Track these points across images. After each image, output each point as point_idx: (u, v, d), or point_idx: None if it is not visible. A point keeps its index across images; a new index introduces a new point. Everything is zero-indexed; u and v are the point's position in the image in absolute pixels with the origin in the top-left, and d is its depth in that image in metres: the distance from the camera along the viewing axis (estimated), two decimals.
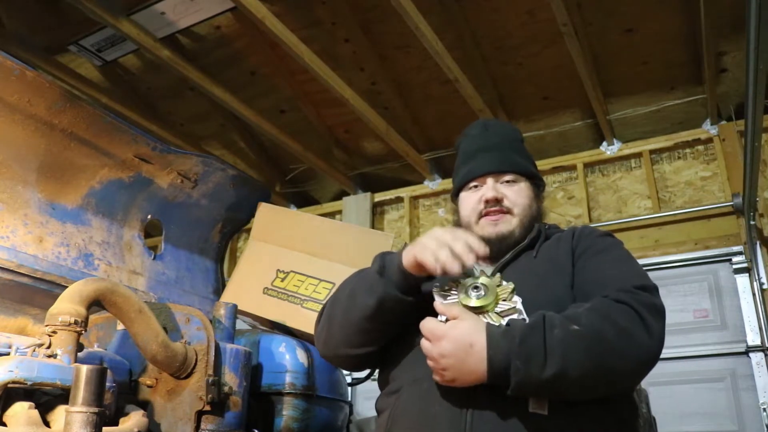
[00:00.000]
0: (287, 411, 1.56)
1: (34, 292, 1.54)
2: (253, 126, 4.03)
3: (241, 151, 4.73)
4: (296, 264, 1.94)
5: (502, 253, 1.26)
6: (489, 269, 1.27)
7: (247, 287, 1.94)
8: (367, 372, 1.61)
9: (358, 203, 4.70)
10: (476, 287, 1.08)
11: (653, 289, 1.10)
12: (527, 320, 1.03)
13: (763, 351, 3.21)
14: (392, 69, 3.90)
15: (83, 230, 1.72)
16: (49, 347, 1.09)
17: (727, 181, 3.66)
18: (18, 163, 1.55)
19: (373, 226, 4.60)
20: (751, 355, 3.24)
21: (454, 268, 1.05)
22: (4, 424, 1.05)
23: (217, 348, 1.33)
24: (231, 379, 1.35)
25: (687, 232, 3.69)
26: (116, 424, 1.20)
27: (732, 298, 3.41)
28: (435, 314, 1.08)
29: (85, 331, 1.15)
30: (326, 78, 3.35)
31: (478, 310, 1.06)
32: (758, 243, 3.36)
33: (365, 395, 3.80)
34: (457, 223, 1.39)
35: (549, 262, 1.23)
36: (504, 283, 1.11)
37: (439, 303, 1.08)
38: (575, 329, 0.98)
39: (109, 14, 3.10)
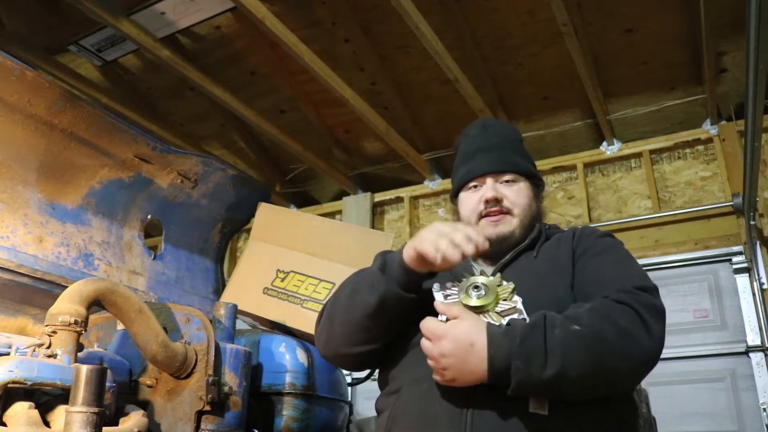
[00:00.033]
0: (287, 411, 1.56)
1: (34, 292, 1.54)
2: (253, 126, 4.03)
3: (241, 151, 4.73)
4: (296, 264, 1.94)
5: (502, 253, 1.26)
6: (489, 269, 1.27)
7: (247, 287, 1.94)
8: (367, 372, 1.61)
9: (358, 203, 4.70)
10: (476, 287, 1.08)
11: (653, 290, 1.10)
12: (528, 320, 1.03)
13: (763, 351, 3.21)
14: (392, 69, 3.90)
15: (83, 230, 1.72)
16: (49, 347, 1.09)
17: (727, 181, 3.66)
18: (18, 163, 1.55)
19: (373, 226, 4.60)
20: (751, 355, 3.24)
21: (455, 256, 1.05)
22: (4, 424, 1.05)
23: (217, 348, 1.33)
24: (231, 379, 1.35)
25: (687, 232, 3.69)
26: (116, 424, 1.20)
27: (732, 298, 3.41)
28: (436, 313, 1.08)
29: (85, 331, 1.15)
30: (326, 78, 3.35)
31: (478, 310, 1.06)
32: (758, 243, 3.36)
33: (365, 395, 3.80)
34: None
35: (549, 263, 1.23)
36: (504, 283, 1.11)
37: (439, 302, 1.08)
38: (576, 329, 0.98)
39: (109, 14, 3.10)
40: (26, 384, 1.05)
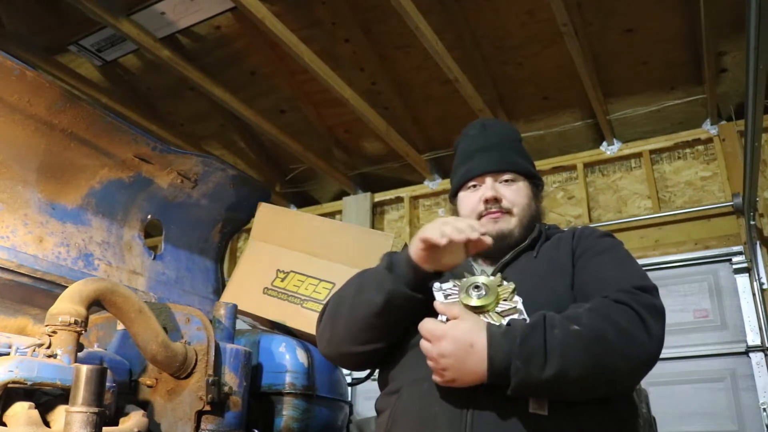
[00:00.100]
0: (287, 411, 1.56)
1: (34, 292, 1.54)
2: (253, 126, 4.03)
3: (241, 151, 4.73)
4: (296, 264, 1.94)
5: (502, 253, 1.26)
6: (489, 269, 1.27)
7: (247, 287, 1.94)
8: (367, 372, 1.61)
9: (358, 203, 4.70)
10: (477, 287, 1.08)
11: (653, 290, 1.10)
12: (528, 320, 1.03)
13: (763, 351, 3.21)
14: (392, 69, 3.90)
15: (83, 230, 1.72)
16: (49, 347, 1.09)
17: (727, 181, 3.66)
18: (18, 163, 1.55)
19: (373, 226, 4.60)
20: (751, 355, 3.24)
21: (459, 237, 1.06)
22: (4, 424, 1.05)
23: (217, 348, 1.33)
24: (231, 379, 1.35)
25: (687, 232, 3.69)
26: (116, 424, 1.20)
27: (732, 298, 3.41)
28: (438, 314, 1.08)
29: (85, 331, 1.15)
30: (326, 78, 3.35)
31: (478, 310, 1.06)
32: (758, 243, 3.36)
33: (365, 395, 3.80)
34: None
35: (549, 263, 1.23)
36: (504, 283, 1.11)
37: (439, 302, 1.08)
38: (575, 329, 0.98)
39: (109, 14, 3.10)
40: (26, 384, 1.05)
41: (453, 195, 1.41)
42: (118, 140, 1.70)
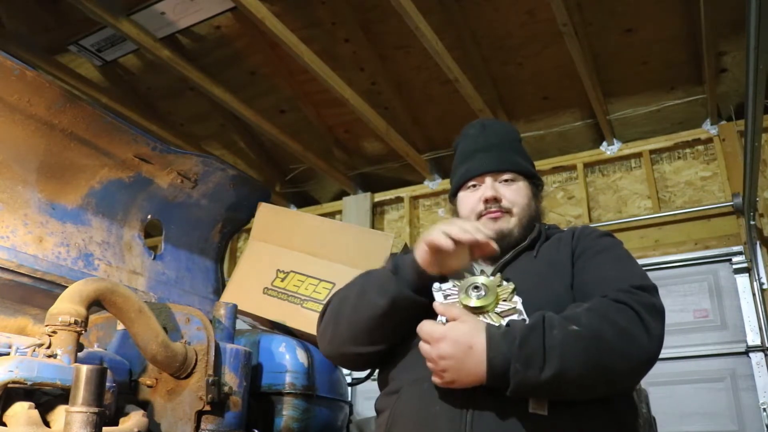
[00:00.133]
0: (287, 411, 1.56)
1: (34, 292, 1.54)
2: (253, 126, 4.03)
3: (241, 151, 4.73)
4: (296, 264, 1.94)
5: (501, 253, 1.26)
6: (489, 269, 1.27)
7: (247, 287, 1.94)
8: (367, 372, 1.61)
9: (358, 203, 4.70)
10: (476, 287, 1.08)
11: (652, 289, 1.10)
12: (527, 320, 1.03)
13: (763, 351, 3.21)
14: (392, 69, 3.90)
15: (83, 230, 1.72)
16: (49, 347, 1.09)
17: (727, 181, 3.66)
18: (18, 163, 1.55)
19: (373, 226, 4.60)
20: (751, 355, 3.24)
21: (466, 236, 1.06)
22: (4, 424, 1.05)
23: (217, 348, 1.32)
24: (231, 379, 1.35)
25: (687, 232, 3.69)
26: (116, 424, 1.20)
27: (732, 298, 3.41)
28: (437, 315, 1.08)
29: (85, 331, 1.15)
30: (326, 78, 3.35)
31: (478, 311, 1.06)
32: (758, 243, 3.36)
33: (365, 395, 3.80)
34: None
35: (549, 263, 1.23)
36: (504, 283, 1.11)
37: (438, 303, 1.08)
38: (574, 330, 0.98)
39: (109, 14, 3.10)
40: (26, 384, 1.04)
41: (453, 195, 1.42)
42: (118, 140, 1.70)
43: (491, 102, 3.84)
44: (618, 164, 4.09)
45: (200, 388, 1.27)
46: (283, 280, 1.93)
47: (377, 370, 1.30)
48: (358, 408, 3.71)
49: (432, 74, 3.79)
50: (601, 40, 3.48)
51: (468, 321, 1.03)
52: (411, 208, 4.60)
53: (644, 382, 1.28)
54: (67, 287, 1.18)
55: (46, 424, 1.08)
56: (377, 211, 4.76)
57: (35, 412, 1.07)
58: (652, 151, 3.96)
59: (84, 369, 0.95)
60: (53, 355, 1.09)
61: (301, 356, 1.62)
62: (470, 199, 1.33)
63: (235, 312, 1.48)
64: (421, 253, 1.12)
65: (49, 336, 1.10)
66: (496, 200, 1.29)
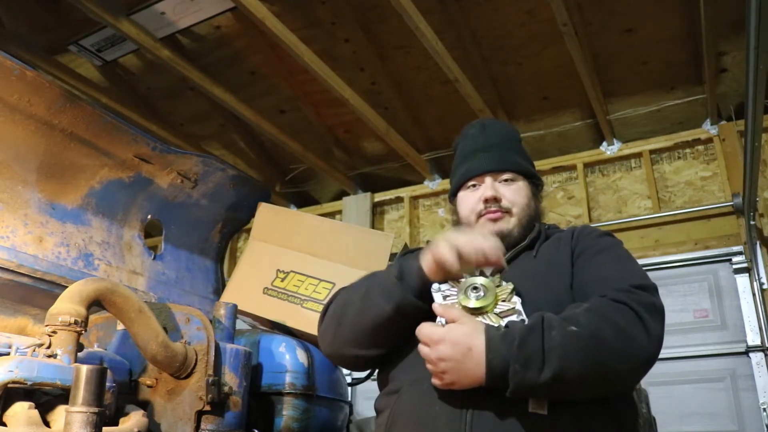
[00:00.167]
0: (287, 411, 1.56)
1: (34, 292, 1.54)
2: (253, 126, 4.03)
3: (241, 151, 4.73)
4: (296, 264, 1.94)
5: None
6: (488, 270, 1.27)
7: (247, 287, 1.94)
8: (367, 372, 1.61)
9: (358, 203, 4.70)
10: (475, 288, 1.08)
11: (652, 289, 1.10)
12: (526, 321, 1.03)
13: (763, 351, 3.21)
14: (392, 69, 3.91)
15: (83, 230, 1.72)
16: (49, 347, 1.09)
17: (727, 181, 3.66)
18: (18, 163, 1.55)
19: (373, 226, 4.60)
20: (751, 355, 3.24)
21: (479, 259, 1.06)
22: (4, 424, 1.05)
23: (217, 348, 1.32)
24: (231, 379, 1.35)
25: (687, 232, 3.69)
26: (116, 424, 1.20)
27: (732, 298, 3.41)
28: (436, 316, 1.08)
29: (85, 331, 1.15)
30: (326, 78, 3.35)
31: (477, 311, 1.05)
32: (758, 243, 3.36)
33: (365, 395, 3.80)
34: (456, 223, 1.39)
35: (548, 262, 1.23)
36: (503, 283, 1.11)
37: (437, 305, 1.08)
38: (573, 330, 0.98)
39: (109, 14, 3.10)
40: (26, 384, 1.04)
41: (453, 195, 1.42)
42: (118, 140, 1.70)
43: (491, 102, 3.84)
44: (618, 164, 4.09)
45: (200, 388, 1.27)
46: (283, 280, 1.93)
47: (377, 370, 1.30)
48: (358, 408, 3.71)
49: (432, 74, 3.79)
50: (601, 40, 3.48)
51: (467, 322, 1.03)
52: (411, 208, 4.60)
53: (644, 382, 1.28)
54: (67, 287, 1.18)
55: (46, 424, 1.08)
56: (377, 211, 4.76)
57: (35, 412, 1.07)
58: (652, 151, 3.96)
59: (84, 369, 0.95)
60: (53, 355, 1.09)
61: (301, 356, 1.62)
62: (470, 198, 1.33)
63: (235, 312, 1.48)
64: (427, 263, 1.12)
65: (49, 336, 1.10)
66: (495, 200, 1.29)
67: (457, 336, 1.01)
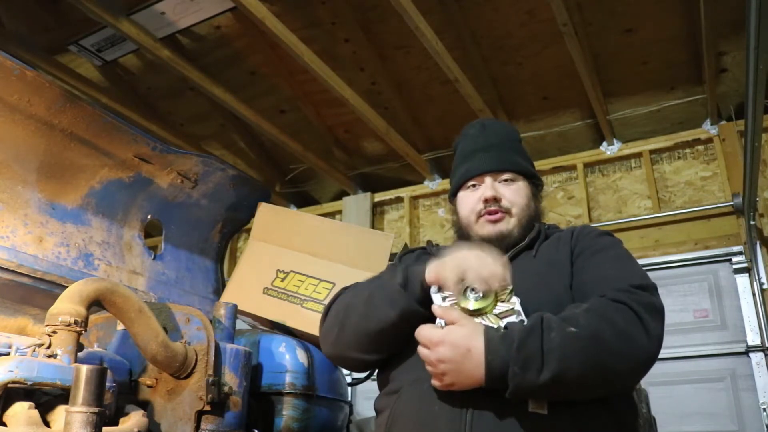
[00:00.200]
0: (287, 411, 1.56)
1: (34, 292, 1.54)
2: (253, 126, 4.03)
3: (241, 151, 4.73)
4: (296, 264, 1.94)
5: (501, 253, 1.26)
6: None
7: (247, 287, 1.94)
8: (367, 372, 1.61)
9: (358, 203, 4.70)
10: (474, 289, 1.07)
11: (652, 288, 1.10)
12: (525, 321, 1.03)
13: (763, 351, 3.21)
14: (392, 69, 3.91)
15: (83, 230, 1.72)
16: (49, 347, 1.09)
17: (727, 181, 3.66)
18: (18, 163, 1.55)
19: (373, 226, 4.60)
20: (751, 355, 3.24)
21: (482, 287, 1.05)
22: (4, 424, 1.05)
23: (217, 348, 1.32)
24: (231, 379, 1.35)
25: (687, 232, 3.69)
26: (116, 424, 1.20)
27: (732, 298, 3.41)
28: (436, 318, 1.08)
29: (85, 331, 1.15)
30: (326, 78, 3.35)
31: (476, 313, 1.05)
32: (758, 243, 3.36)
33: (365, 395, 3.80)
34: (456, 223, 1.39)
35: (548, 262, 1.23)
36: None
37: (436, 306, 1.07)
38: (572, 331, 0.98)
39: (109, 14, 3.10)
40: (26, 384, 1.04)
41: (453, 195, 1.42)
42: (118, 140, 1.70)
43: (491, 102, 3.84)
44: (618, 164, 4.09)
45: (200, 388, 1.27)
46: (283, 280, 1.93)
47: (377, 370, 1.30)
48: (358, 408, 3.71)
49: (432, 74, 3.79)
50: (601, 40, 3.48)
51: (466, 324, 1.03)
52: (411, 208, 4.60)
53: (644, 382, 1.28)
54: (67, 287, 1.18)
55: (46, 424, 1.08)
56: (377, 211, 4.76)
57: (35, 412, 1.07)
58: (652, 151, 3.96)
59: (84, 369, 0.95)
60: (53, 355, 1.09)
61: (301, 356, 1.62)
62: (470, 199, 1.33)
63: (235, 312, 1.48)
64: (431, 277, 1.11)
65: (49, 336, 1.10)
66: (495, 200, 1.29)
67: (456, 338, 1.01)
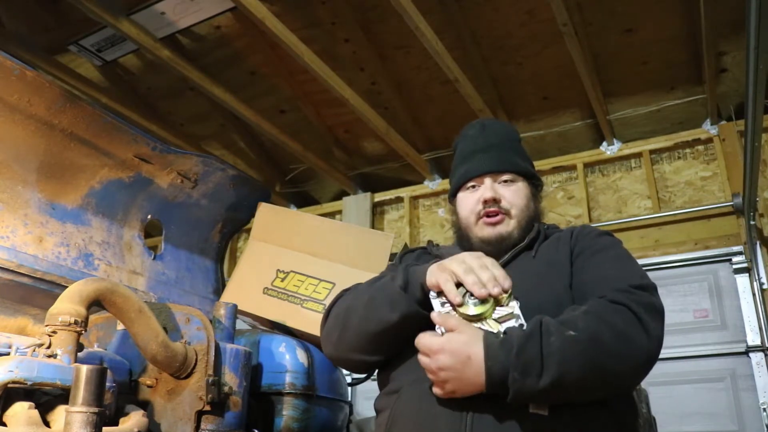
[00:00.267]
0: (287, 411, 1.56)
1: (34, 292, 1.54)
2: (253, 126, 4.03)
3: (241, 151, 4.73)
4: (296, 264, 1.94)
5: (500, 254, 1.26)
6: None
7: (247, 287, 1.94)
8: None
9: (358, 203, 4.70)
10: (473, 294, 1.07)
11: (651, 288, 1.10)
12: (525, 325, 1.03)
13: (763, 351, 3.21)
14: (392, 69, 3.91)
15: (83, 230, 1.72)
16: (49, 347, 1.09)
17: (727, 181, 3.66)
18: (18, 163, 1.55)
19: (373, 226, 4.60)
20: (751, 355, 3.24)
21: (481, 292, 1.04)
22: (4, 424, 1.05)
23: (217, 348, 1.32)
24: (231, 379, 1.35)
25: (687, 232, 3.69)
26: (116, 424, 1.20)
27: (732, 298, 3.41)
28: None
29: (85, 331, 1.15)
30: (326, 78, 3.35)
31: (475, 318, 1.05)
32: (758, 243, 3.36)
33: (365, 395, 3.81)
34: (456, 224, 1.39)
35: (548, 262, 1.23)
36: None
37: (435, 314, 1.07)
38: (571, 335, 0.98)
39: (109, 14, 3.10)
40: (26, 384, 1.04)
41: (452, 195, 1.41)
42: (118, 140, 1.70)
43: (491, 102, 3.84)
44: (618, 164, 4.09)
45: (200, 388, 1.27)
46: (283, 280, 1.93)
47: (377, 370, 1.30)
48: (358, 408, 3.72)
49: (432, 74, 3.79)
50: (601, 40, 3.48)
51: (465, 331, 1.02)
52: (411, 208, 4.60)
53: (644, 382, 1.28)
54: (67, 287, 1.18)
55: (46, 424, 1.08)
56: (377, 211, 4.76)
57: (35, 412, 1.07)
58: (652, 151, 3.96)
59: (84, 369, 0.95)
60: (53, 355, 1.09)
61: (301, 356, 1.62)
62: (469, 200, 1.33)
63: (235, 312, 1.48)
64: (431, 282, 1.11)
65: (49, 336, 1.10)
66: (495, 201, 1.29)
67: (455, 345, 1.01)
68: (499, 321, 1.05)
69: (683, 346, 3.40)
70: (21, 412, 1.05)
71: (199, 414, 1.27)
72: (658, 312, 1.07)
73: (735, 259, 3.46)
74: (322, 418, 1.65)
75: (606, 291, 1.08)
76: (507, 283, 1.05)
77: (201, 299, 2.05)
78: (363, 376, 1.71)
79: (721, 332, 3.40)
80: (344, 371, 1.84)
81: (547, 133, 4.08)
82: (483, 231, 1.30)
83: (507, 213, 1.30)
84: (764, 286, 3.32)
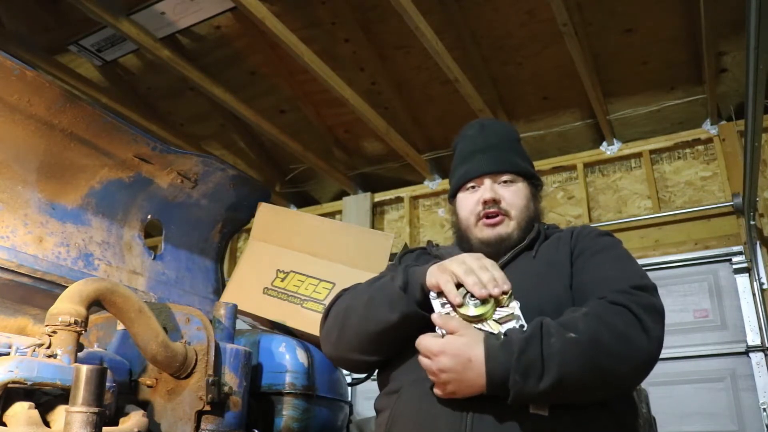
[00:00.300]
0: (287, 411, 1.56)
1: (34, 292, 1.54)
2: (253, 126, 4.03)
3: (241, 151, 4.73)
4: (296, 264, 1.94)
5: (500, 255, 1.26)
6: None
7: (247, 287, 1.94)
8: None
9: (358, 203, 4.70)
10: (473, 295, 1.07)
11: (651, 289, 1.10)
12: (525, 326, 1.03)
13: (763, 351, 3.21)
14: (392, 69, 3.91)
15: (83, 230, 1.72)
16: (49, 347, 1.09)
17: (727, 181, 3.66)
18: (18, 163, 1.55)
19: (373, 226, 4.60)
20: (751, 355, 3.24)
21: (481, 293, 1.04)
22: (4, 424, 1.05)
23: (217, 348, 1.32)
24: (231, 379, 1.35)
25: (687, 232, 3.69)
26: (116, 424, 1.20)
27: (732, 298, 3.41)
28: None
29: (85, 331, 1.15)
30: (326, 78, 3.35)
31: (476, 319, 1.05)
32: (758, 243, 3.36)
33: (365, 395, 3.81)
34: (455, 225, 1.39)
35: (548, 262, 1.23)
36: None
37: (436, 315, 1.07)
38: (572, 337, 0.98)
39: (109, 14, 3.10)
40: (26, 384, 1.04)
41: (452, 196, 1.41)
42: (118, 140, 1.70)
43: (491, 102, 3.84)
44: (618, 164, 4.09)
45: (200, 388, 1.27)
46: (283, 280, 1.93)
47: (377, 370, 1.30)
48: (358, 408, 3.72)
49: (432, 74, 3.79)
50: (601, 40, 3.48)
51: (466, 333, 1.02)
52: (411, 208, 4.60)
53: (644, 383, 1.28)
54: (67, 287, 1.18)
55: (46, 424, 1.08)
56: (377, 211, 4.76)
57: (35, 412, 1.07)
58: (652, 151, 3.96)
59: (84, 369, 0.95)
60: (53, 355, 1.09)
61: (301, 356, 1.62)
62: (469, 200, 1.33)
63: (235, 312, 1.48)
64: (431, 282, 1.11)
65: (49, 336, 1.10)
66: (494, 202, 1.29)
67: (456, 347, 1.01)
68: (499, 322, 1.05)
69: (683, 346, 3.40)
70: (21, 412, 1.05)
71: (199, 414, 1.27)
72: (659, 313, 1.07)
73: (735, 259, 3.46)
74: (322, 418, 1.65)
75: (606, 292, 1.08)
76: (507, 285, 1.05)
77: (201, 299, 2.05)
78: (363, 376, 1.71)
79: (721, 332, 3.40)
80: (344, 371, 1.84)
81: (547, 133, 4.08)
82: (483, 232, 1.29)
83: (507, 214, 1.30)
84: (764, 286, 3.32)
